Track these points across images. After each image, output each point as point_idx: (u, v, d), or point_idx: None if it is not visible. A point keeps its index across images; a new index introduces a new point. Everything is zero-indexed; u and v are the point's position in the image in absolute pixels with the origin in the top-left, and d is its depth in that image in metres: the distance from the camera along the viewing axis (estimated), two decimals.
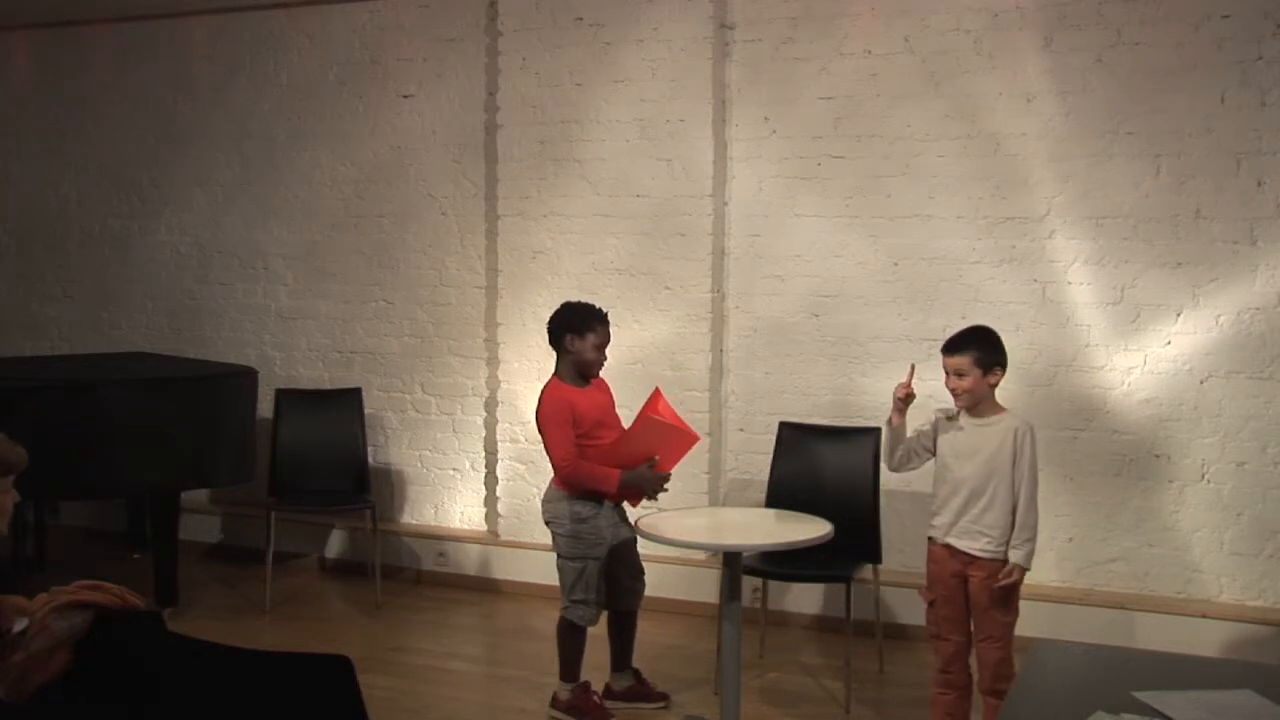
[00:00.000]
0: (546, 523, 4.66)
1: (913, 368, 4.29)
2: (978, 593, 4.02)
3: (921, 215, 5.63)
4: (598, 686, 4.76)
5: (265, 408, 6.50)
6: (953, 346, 4.08)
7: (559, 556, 4.62)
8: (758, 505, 5.47)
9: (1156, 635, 5.02)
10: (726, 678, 4.36)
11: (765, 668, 5.27)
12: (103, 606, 2.21)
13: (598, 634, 4.71)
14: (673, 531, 4.35)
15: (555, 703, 4.71)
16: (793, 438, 5.46)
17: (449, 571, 6.52)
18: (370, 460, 6.58)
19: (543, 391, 4.66)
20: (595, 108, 6.07)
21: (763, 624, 5.51)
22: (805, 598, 5.76)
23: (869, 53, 5.67)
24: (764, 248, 5.92)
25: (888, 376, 5.66)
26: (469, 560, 6.50)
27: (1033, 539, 4.01)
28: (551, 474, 4.64)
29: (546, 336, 4.73)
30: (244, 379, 6.15)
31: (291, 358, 7.07)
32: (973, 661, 4.12)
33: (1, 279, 7.87)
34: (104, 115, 7.50)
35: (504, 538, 6.41)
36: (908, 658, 5.23)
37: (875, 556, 5.07)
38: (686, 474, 5.73)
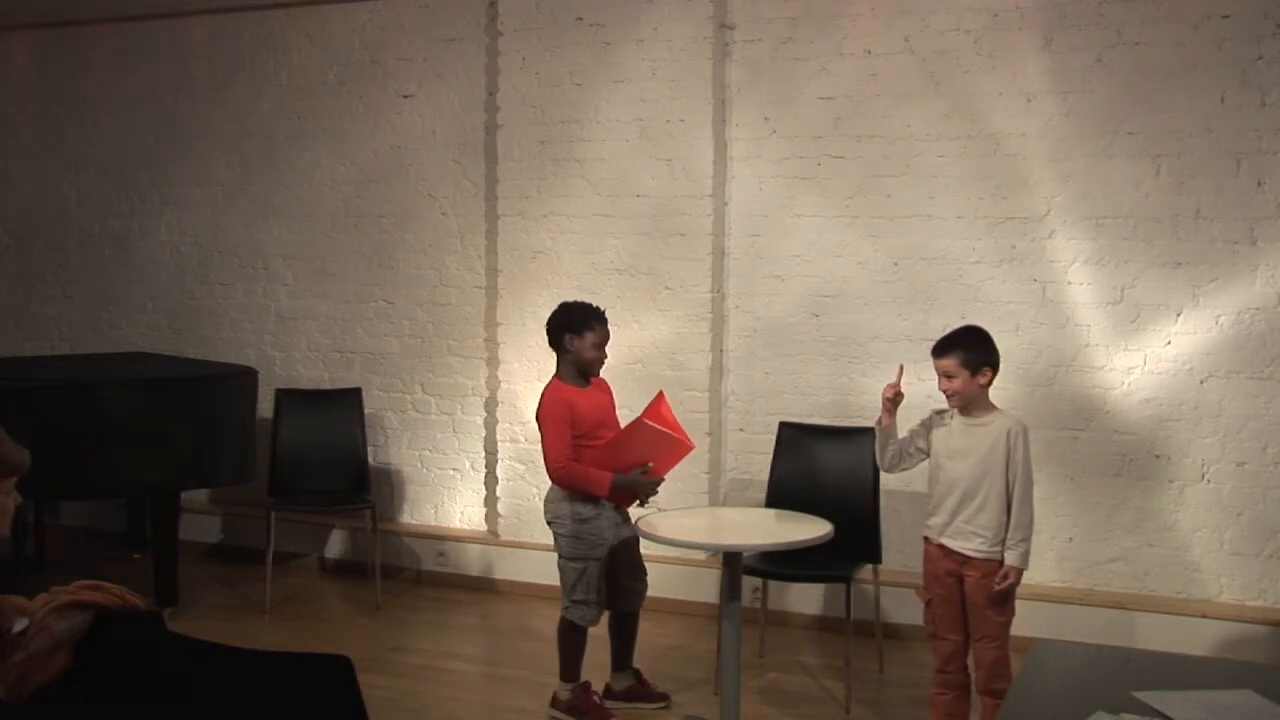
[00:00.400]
0: (549, 523, 4.66)
1: (900, 368, 4.28)
2: (973, 592, 4.02)
3: (921, 215, 5.63)
4: (598, 686, 4.76)
5: (265, 408, 6.50)
6: (940, 349, 4.09)
7: (560, 557, 4.62)
8: (758, 505, 5.47)
9: (1156, 635, 5.02)
10: (726, 678, 4.36)
11: (765, 668, 5.27)
12: (103, 606, 2.21)
13: (598, 634, 4.71)
14: (673, 531, 4.35)
15: (555, 703, 4.71)
16: (793, 438, 5.46)
17: (449, 571, 6.52)
18: (370, 460, 6.58)
19: (544, 391, 4.67)
20: (595, 108, 6.07)
21: (763, 624, 5.51)
22: (805, 598, 5.76)
23: (869, 53, 5.67)
24: (764, 248, 5.92)
25: (887, 377, 5.59)
26: (469, 560, 6.50)
27: (1028, 539, 4.00)
28: None
29: (546, 338, 4.74)
30: (244, 379, 6.15)
31: (291, 358, 7.07)
32: (970, 661, 4.13)
33: (1, 279, 7.87)
34: (104, 115, 7.50)
35: (504, 538, 6.41)
36: (908, 658, 5.23)
37: (875, 556, 5.07)
38: (686, 474, 5.73)
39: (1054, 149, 5.41)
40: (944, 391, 4.08)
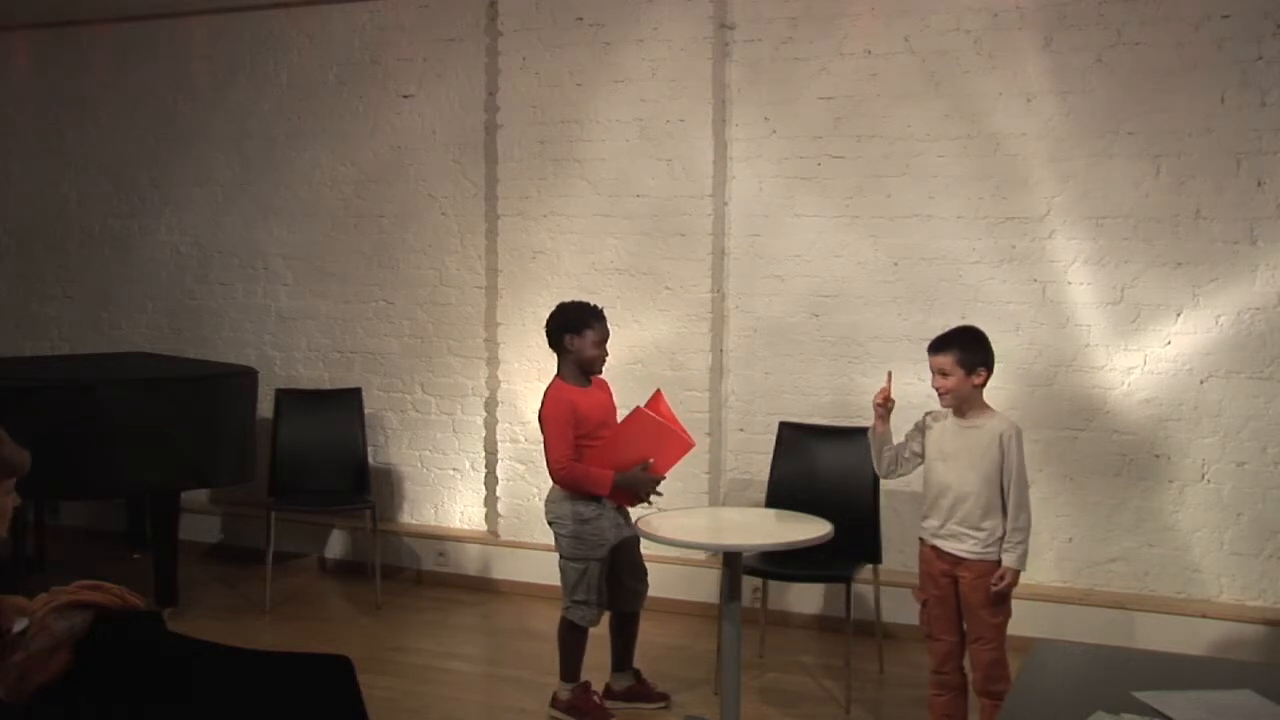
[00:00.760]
0: (550, 523, 4.66)
1: (890, 375, 4.27)
2: (968, 593, 4.03)
3: (921, 215, 5.63)
4: (598, 686, 4.76)
5: (265, 408, 6.50)
6: (937, 346, 4.09)
7: (561, 557, 4.62)
8: (758, 505, 5.47)
9: (1156, 635, 5.02)
10: (726, 678, 4.36)
11: (765, 668, 5.27)
12: (103, 606, 2.21)
13: (598, 634, 4.71)
14: (673, 531, 4.35)
15: (555, 703, 4.71)
16: (793, 438, 5.46)
17: (449, 571, 6.52)
18: (370, 460, 6.58)
19: (546, 391, 4.67)
20: (595, 108, 6.07)
21: (763, 624, 5.51)
22: (805, 598, 5.76)
23: (869, 53, 5.67)
24: (764, 248, 5.92)
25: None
26: (469, 560, 6.50)
27: (1025, 541, 4.01)
28: None
29: (546, 340, 4.74)
30: (244, 379, 6.15)
31: (291, 358, 7.07)
32: (966, 662, 4.13)
33: (1, 279, 7.87)
34: (104, 115, 7.50)
35: (504, 538, 6.41)
36: (908, 658, 5.23)
37: (875, 556, 5.07)
38: (686, 474, 5.73)
39: (1054, 149, 5.41)
40: (937, 389, 4.08)
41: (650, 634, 5.18)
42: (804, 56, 5.78)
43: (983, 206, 5.53)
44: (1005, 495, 4.00)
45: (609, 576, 4.63)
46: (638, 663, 4.88)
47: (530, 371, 6.19)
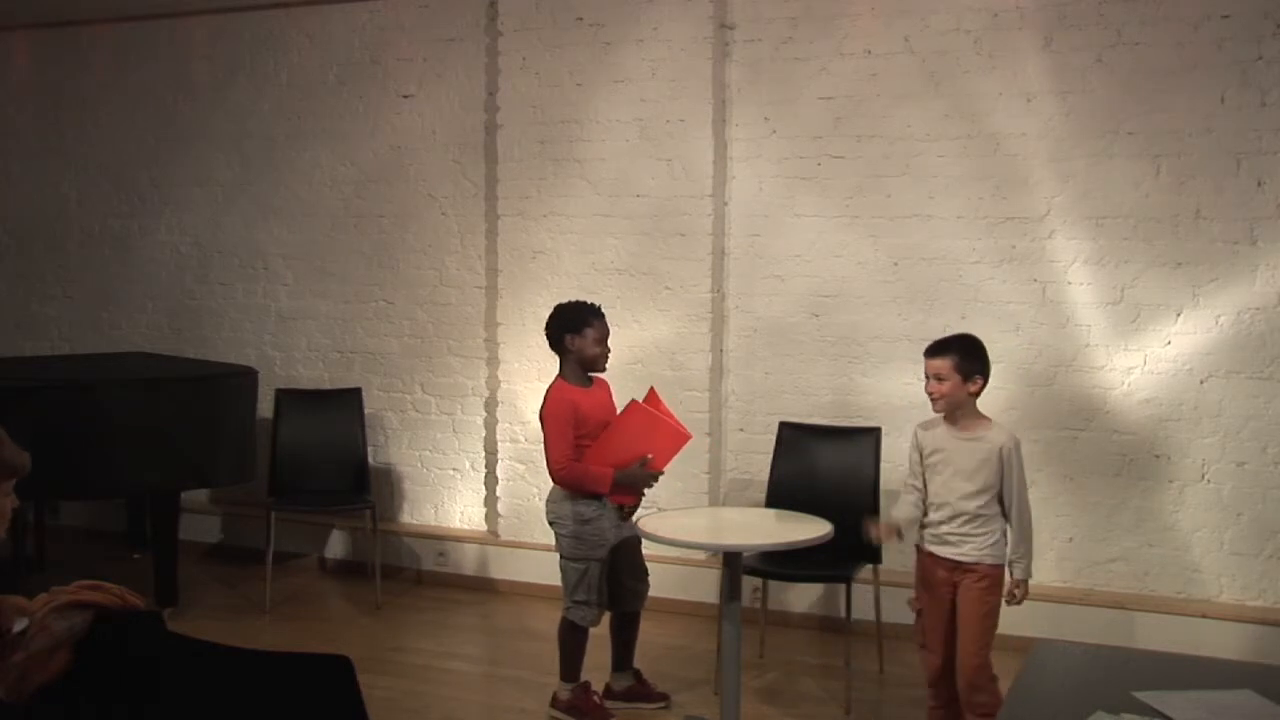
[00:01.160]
0: (550, 523, 4.65)
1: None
2: (964, 593, 4.02)
3: (921, 215, 5.62)
4: (598, 686, 4.76)
5: (265, 408, 6.50)
6: (935, 350, 4.08)
7: (562, 557, 4.62)
8: (758, 505, 5.47)
9: (1156, 635, 5.02)
10: (726, 678, 4.36)
11: (765, 668, 5.27)
12: (103, 606, 2.21)
13: (598, 634, 4.71)
14: (673, 531, 4.34)
15: (555, 703, 4.71)
16: (792, 438, 5.46)
17: (449, 571, 6.52)
18: (370, 460, 6.58)
19: (547, 391, 4.67)
20: (595, 108, 6.06)
21: (763, 624, 5.51)
22: (805, 598, 5.76)
23: (869, 53, 5.67)
24: (764, 248, 5.92)
25: (888, 377, 5.67)
26: (469, 560, 6.50)
27: (1029, 551, 4.04)
28: None
29: (546, 342, 4.73)
30: (244, 379, 6.15)
31: (291, 358, 7.07)
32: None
33: (1, 279, 7.87)
34: (104, 115, 7.50)
35: (504, 538, 6.41)
36: (908, 658, 5.21)
37: (875, 556, 5.06)
38: (686, 474, 5.73)
39: (1054, 149, 5.41)
40: (930, 393, 4.06)
41: (650, 634, 5.18)
42: (804, 56, 5.78)
43: (983, 206, 5.53)
44: (1005, 505, 4.00)
45: (609, 576, 4.63)
46: (638, 663, 4.88)
47: (530, 371, 6.19)
